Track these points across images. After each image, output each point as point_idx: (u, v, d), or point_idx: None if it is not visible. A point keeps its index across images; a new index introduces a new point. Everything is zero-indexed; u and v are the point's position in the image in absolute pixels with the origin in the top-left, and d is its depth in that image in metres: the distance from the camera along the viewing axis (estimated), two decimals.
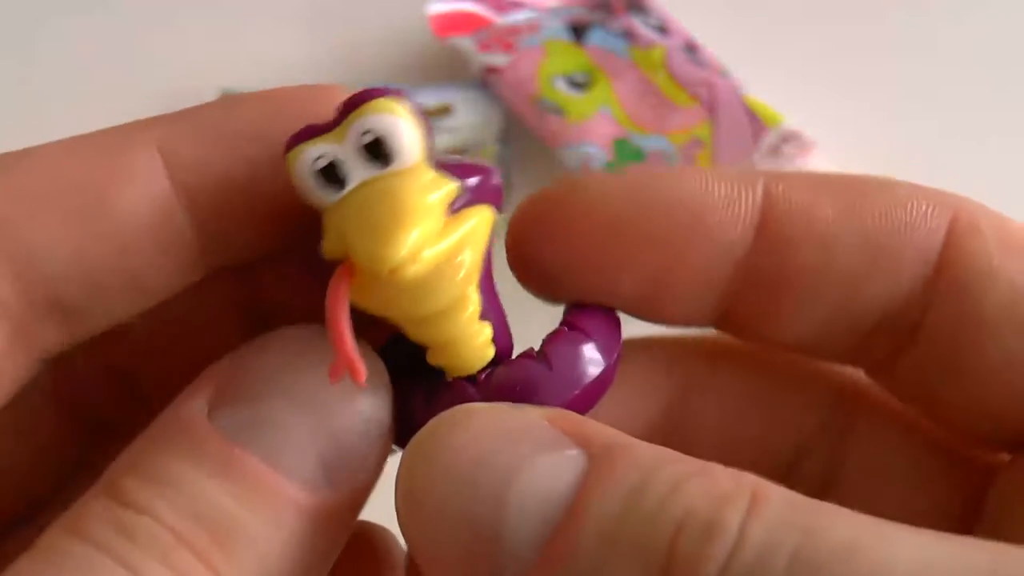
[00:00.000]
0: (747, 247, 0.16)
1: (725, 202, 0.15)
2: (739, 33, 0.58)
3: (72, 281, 0.14)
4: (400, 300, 0.14)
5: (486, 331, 0.15)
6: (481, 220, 0.15)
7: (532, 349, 0.16)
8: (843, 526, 0.12)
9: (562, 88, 0.52)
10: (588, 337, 0.16)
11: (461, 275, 0.14)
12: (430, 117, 0.54)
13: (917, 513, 0.15)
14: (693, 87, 0.52)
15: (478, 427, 0.13)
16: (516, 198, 0.53)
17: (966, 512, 0.17)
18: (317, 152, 0.14)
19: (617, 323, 0.17)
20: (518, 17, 0.57)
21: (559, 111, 0.51)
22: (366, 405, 0.14)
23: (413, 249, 0.13)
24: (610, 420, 0.15)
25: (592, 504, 0.12)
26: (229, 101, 0.16)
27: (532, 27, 0.55)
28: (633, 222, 0.16)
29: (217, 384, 0.14)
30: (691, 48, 0.54)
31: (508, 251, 0.17)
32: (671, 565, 0.12)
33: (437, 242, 0.14)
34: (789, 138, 0.49)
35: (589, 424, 0.14)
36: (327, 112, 0.15)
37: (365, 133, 0.14)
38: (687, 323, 0.17)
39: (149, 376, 0.18)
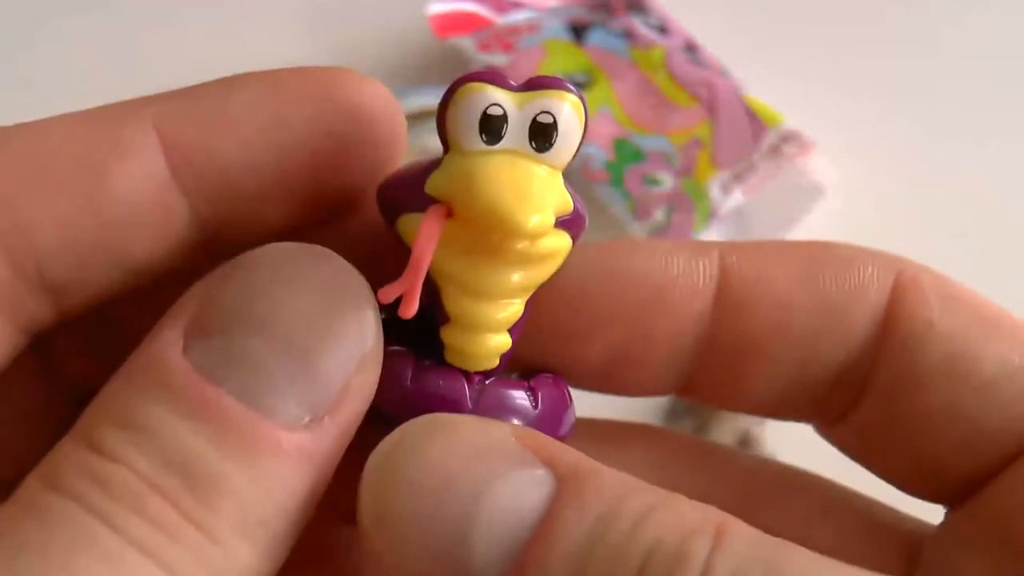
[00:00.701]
0: (707, 317, 0.16)
1: (684, 275, 0.16)
2: (739, 33, 0.58)
3: (62, 256, 0.14)
4: (479, 263, 0.14)
5: (506, 341, 0.15)
6: (566, 246, 0.15)
7: (523, 379, 0.16)
8: (804, 563, 0.12)
9: None
10: (564, 388, 0.17)
11: (529, 279, 0.15)
12: (431, 117, 0.54)
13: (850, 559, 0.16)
14: (693, 87, 0.52)
15: (446, 442, 0.13)
16: None
17: (907, 567, 0.17)
18: (496, 98, 0.14)
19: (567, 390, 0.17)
20: (518, 17, 0.57)
21: None
22: (352, 334, 0.13)
23: (547, 224, 0.14)
24: None
25: (560, 528, 0.12)
26: (230, 81, 0.16)
27: (532, 27, 0.55)
28: (597, 297, 0.16)
29: (192, 313, 0.13)
30: (691, 48, 0.54)
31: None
32: None
33: (541, 239, 0.14)
34: (789, 138, 0.49)
35: (554, 444, 0.14)
36: (328, 96, 0.14)
37: (545, 113, 0.14)
38: (651, 393, 0.17)
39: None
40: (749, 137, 0.50)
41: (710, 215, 0.48)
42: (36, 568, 0.11)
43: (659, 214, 0.48)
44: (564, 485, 0.13)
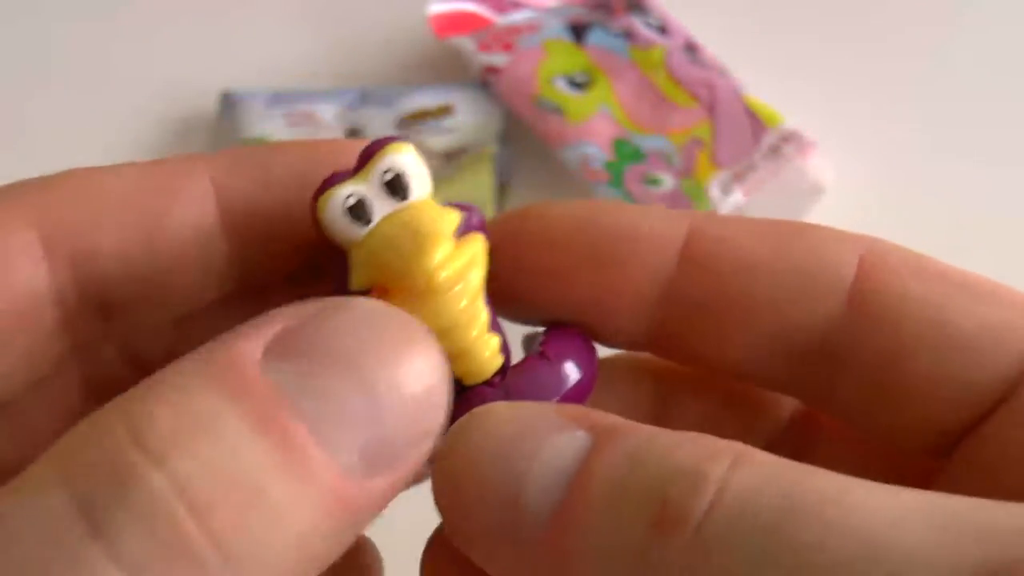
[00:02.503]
0: (671, 272, 0.17)
1: (652, 231, 0.17)
2: (739, 33, 0.58)
3: (121, 285, 0.16)
4: (423, 314, 0.15)
5: (495, 341, 0.17)
6: (480, 245, 0.17)
7: (533, 356, 0.18)
8: (824, 483, 0.13)
9: (562, 88, 0.52)
10: (577, 337, 0.18)
11: (472, 289, 0.17)
12: (431, 117, 0.54)
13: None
14: (693, 87, 0.52)
15: (503, 417, 0.15)
16: (516, 198, 0.53)
17: None
18: (347, 192, 0.16)
19: (590, 339, 0.19)
20: (518, 17, 0.57)
21: (559, 111, 0.51)
22: (427, 409, 0.14)
23: (437, 266, 0.16)
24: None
25: (596, 470, 0.14)
26: (276, 147, 0.18)
27: (532, 27, 0.55)
28: (574, 246, 0.18)
29: (277, 332, 0.13)
30: (691, 48, 0.54)
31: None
32: (663, 515, 0.13)
33: (453, 261, 0.16)
34: (789, 138, 0.49)
35: (594, 412, 0.15)
36: (349, 162, 0.17)
37: (387, 171, 0.16)
38: (622, 344, 0.19)
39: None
40: (749, 137, 0.50)
41: None
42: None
43: None
44: (600, 438, 0.14)
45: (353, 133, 0.53)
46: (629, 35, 0.54)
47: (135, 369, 0.18)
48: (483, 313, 0.17)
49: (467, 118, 0.53)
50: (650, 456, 0.14)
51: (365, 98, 0.55)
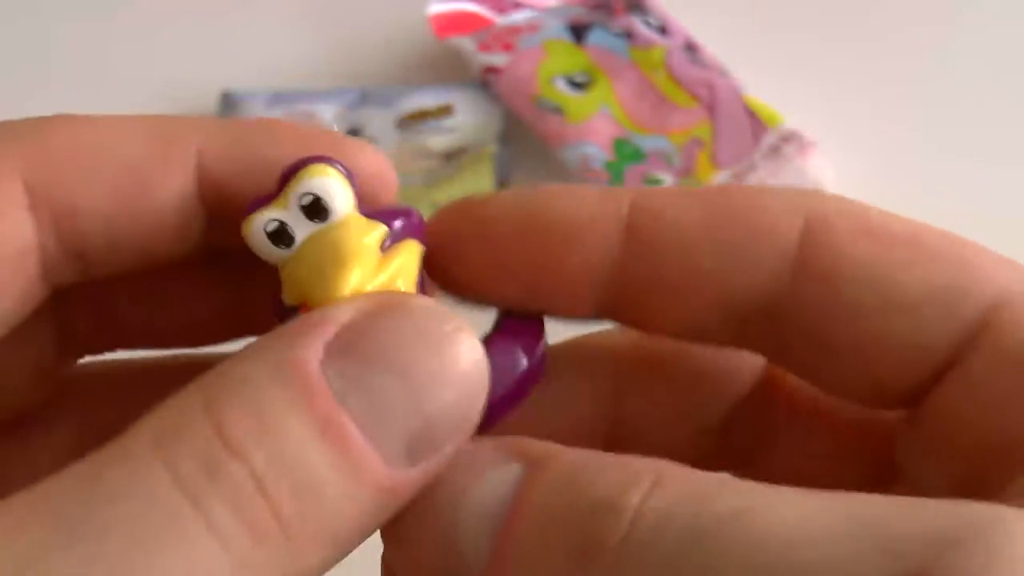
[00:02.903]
0: (616, 252, 0.17)
1: (594, 212, 0.17)
2: (739, 33, 0.58)
3: (98, 241, 0.17)
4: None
5: None
6: (409, 254, 0.17)
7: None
8: (732, 495, 0.13)
9: (562, 88, 0.52)
10: (525, 327, 0.18)
11: (407, 273, 0.17)
12: (431, 117, 0.54)
13: (843, 478, 0.17)
14: (693, 87, 0.52)
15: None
16: None
17: (884, 474, 0.18)
18: (267, 218, 0.17)
19: (541, 325, 0.19)
20: (518, 17, 0.57)
21: (559, 111, 0.51)
22: (468, 411, 0.15)
23: (357, 287, 0.16)
24: (555, 424, 0.18)
25: (525, 505, 0.14)
26: (268, 126, 0.18)
27: (532, 27, 0.55)
28: (515, 235, 0.18)
29: (337, 333, 0.15)
30: (691, 48, 0.54)
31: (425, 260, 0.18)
32: (583, 546, 0.14)
33: (375, 276, 0.16)
34: (789, 138, 0.49)
35: (529, 442, 0.15)
36: (341, 157, 0.17)
37: (304, 195, 0.17)
38: (579, 321, 0.19)
39: (132, 315, 0.20)
40: (749, 137, 0.50)
41: None
42: (111, 543, 0.13)
43: None
44: (532, 469, 0.15)
45: (353, 133, 0.53)
46: (629, 35, 0.54)
47: (100, 323, 0.20)
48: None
49: (467, 118, 0.53)
50: (573, 487, 0.14)
51: (365, 98, 0.55)
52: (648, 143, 0.50)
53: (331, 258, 0.16)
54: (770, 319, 0.17)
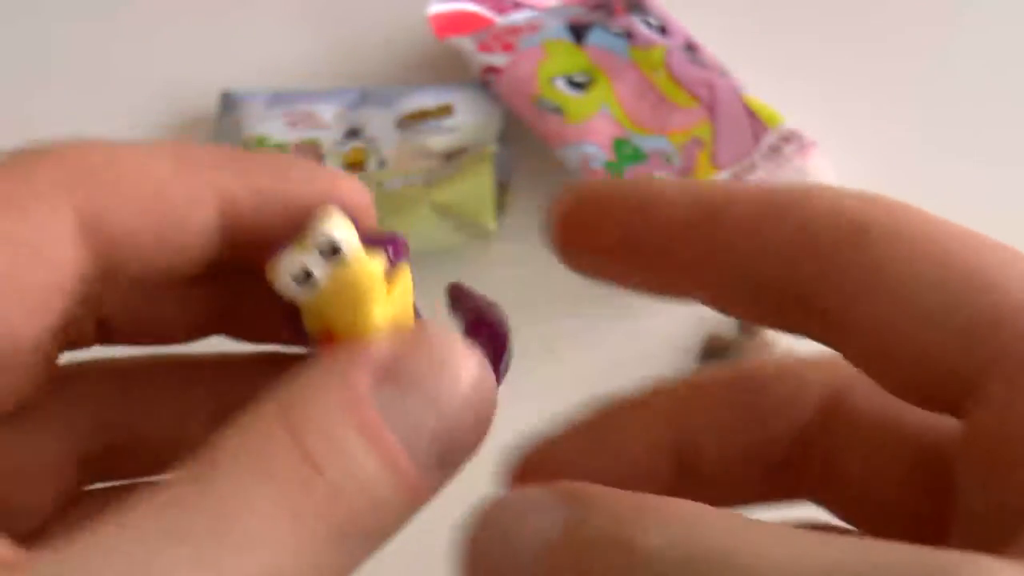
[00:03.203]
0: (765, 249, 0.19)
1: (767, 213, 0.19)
2: (739, 33, 0.58)
3: (130, 264, 0.19)
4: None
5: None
6: (405, 279, 0.20)
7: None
8: (719, 535, 0.15)
9: (562, 88, 0.52)
10: (489, 340, 0.21)
11: (406, 319, 0.20)
12: (431, 117, 0.54)
13: (907, 503, 0.19)
14: (693, 87, 0.52)
15: (495, 505, 0.18)
16: (515, 198, 0.53)
17: (946, 501, 0.18)
18: (290, 262, 0.19)
19: (505, 332, 0.22)
20: (518, 17, 0.57)
21: (559, 111, 0.51)
22: (480, 416, 0.18)
23: (378, 320, 0.19)
24: (619, 470, 0.21)
25: (564, 544, 0.16)
26: (285, 164, 0.21)
27: (532, 27, 0.55)
28: (688, 225, 0.19)
29: (384, 361, 0.18)
30: (691, 48, 0.54)
31: (556, 230, 0.20)
32: None
33: (388, 306, 0.19)
34: (789, 138, 0.49)
35: (574, 485, 0.17)
36: (327, 191, 0.20)
37: (322, 240, 0.19)
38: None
39: (127, 313, 0.22)
40: (749, 137, 0.50)
41: None
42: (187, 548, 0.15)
43: None
44: (570, 514, 0.16)
45: (353, 133, 0.53)
46: (629, 35, 0.54)
47: (101, 329, 0.22)
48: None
49: (467, 118, 0.53)
50: (591, 527, 0.16)
51: (365, 98, 0.55)
52: (648, 143, 0.50)
53: (353, 298, 0.19)
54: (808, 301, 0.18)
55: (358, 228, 0.20)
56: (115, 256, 0.19)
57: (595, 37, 0.54)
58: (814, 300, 0.18)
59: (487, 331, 0.22)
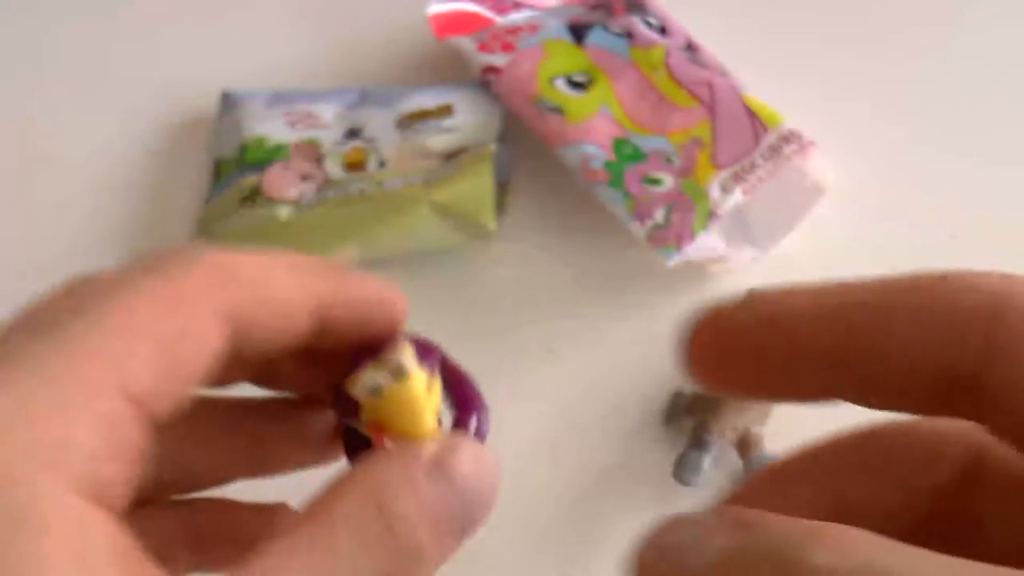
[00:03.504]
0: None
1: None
2: (739, 33, 0.58)
3: (250, 352, 0.25)
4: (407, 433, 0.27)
5: (438, 431, 0.27)
6: (436, 389, 0.27)
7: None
8: (881, 554, 0.16)
9: (562, 88, 0.52)
10: (479, 411, 0.28)
11: (438, 418, 0.27)
12: (431, 117, 0.54)
13: None
14: (693, 87, 0.52)
15: (665, 526, 0.19)
16: (515, 198, 0.53)
17: None
18: (370, 378, 0.26)
19: (482, 405, 0.29)
20: (518, 17, 0.57)
21: (559, 111, 0.51)
22: (493, 501, 0.25)
23: (426, 427, 0.26)
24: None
25: (734, 560, 0.17)
26: (361, 279, 0.27)
27: (532, 27, 0.55)
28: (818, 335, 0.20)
29: (430, 464, 0.25)
30: (691, 48, 0.54)
31: (691, 359, 0.21)
32: None
33: (432, 416, 0.26)
34: (789, 138, 0.49)
35: (743, 511, 0.18)
36: (390, 303, 0.27)
37: (394, 368, 0.26)
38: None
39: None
40: (749, 137, 0.50)
41: (710, 215, 0.48)
42: None
43: (659, 214, 0.48)
44: (737, 533, 0.18)
45: (353, 133, 0.53)
46: (629, 35, 0.54)
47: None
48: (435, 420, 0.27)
49: (467, 118, 0.53)
50: (761, 546, 0.17)
51: (365, 98, 0.55)
52: (648, 143, 0.50)
53: (411, 409, 0.26)
54: (969, 387, 0.19)
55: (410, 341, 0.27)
56: (240, 340, 0.24)
57: (595, 37, 0.54)
58: (968, 379, 0.18)
59: (478, 404, 0.29)
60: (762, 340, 0.20)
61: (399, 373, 0.26)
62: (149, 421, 0.23)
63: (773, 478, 0.23)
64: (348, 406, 0.27)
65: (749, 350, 0.21)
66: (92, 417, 0.21)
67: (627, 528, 0.43)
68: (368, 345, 0.28)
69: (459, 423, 0.29)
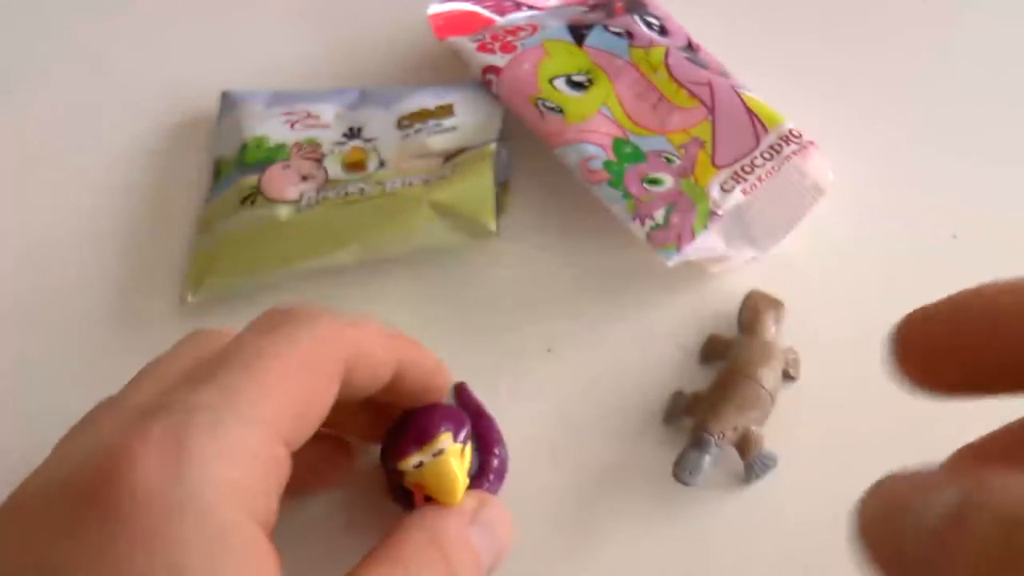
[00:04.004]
0: None
1: None
2: (739, 33, 0.58)
3: (347, 396, 0.33)
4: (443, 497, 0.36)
5: (465, 485, 0.37)
6: (468, 452, 0.37)
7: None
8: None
9: (562, 88, 0.52)
10: (497, 443, 0.42)
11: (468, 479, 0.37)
12: (431, 117, 0.54)
13: None
14: (693, 87, 0.52)
15: (891, 480, 0.19)
16: (515, 198, 0.53)
17: None
18: (415, 458, 0.36)
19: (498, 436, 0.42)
20: (518, 17, 0.57)
21: (559, 111, 0.51)
22: (506, 539, 0.35)
23: (461, 491, 0.35)
24: None
25: (963, 517, 0.17)
26: (424, 351, 0.37)
27: (532, 27, 0.55)
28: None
29: (474, 510, 0.35)
30: (691, 48, 0.54)
31: (903, 362, 0.21)
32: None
33: (462, 474, 0.36)
34: (789, 138, 0.49)
35: (972, 469, 0.18)
36: (438, 378, 0.37)
37: (437, 453, 0.35)
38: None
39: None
40: (749, 137, 0.50)
41: (710, 215, 0.48)
42: None
43: (659, 214, 0.48)
44: (968, 495, 0.17)
45: (353, 133, 0.53)
46: (629, 35, 0.54)
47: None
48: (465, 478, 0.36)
49: (467, 118, 0.53)
50: (987, 504, 0.16)
51: (365, 98, 0.55)
52: (648, 143, 0.50)
53: (450, 481, 0.35)
54: None
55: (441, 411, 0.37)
56: (344, 391, 0.32)
57: (595, 37, 0.54)
58: None
59: (496, 437, 0.40)
60: (978, 343, 0.20)
61: (438, 454, 0.35)
62: (290, 459, 0.30)
63: (1010, 438, 0.22)
64: (396, 471, 0.36)
65: (963, 353, 0.20)
66: (273, 464, 0.29)
67: (627, 528, 0.43)
68: (418, 403, 0.36)
69: (483, 461, 0.40)
